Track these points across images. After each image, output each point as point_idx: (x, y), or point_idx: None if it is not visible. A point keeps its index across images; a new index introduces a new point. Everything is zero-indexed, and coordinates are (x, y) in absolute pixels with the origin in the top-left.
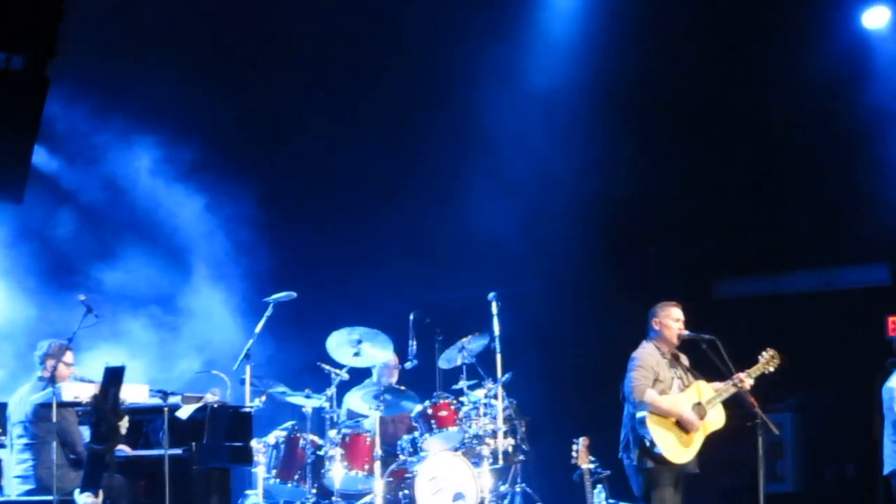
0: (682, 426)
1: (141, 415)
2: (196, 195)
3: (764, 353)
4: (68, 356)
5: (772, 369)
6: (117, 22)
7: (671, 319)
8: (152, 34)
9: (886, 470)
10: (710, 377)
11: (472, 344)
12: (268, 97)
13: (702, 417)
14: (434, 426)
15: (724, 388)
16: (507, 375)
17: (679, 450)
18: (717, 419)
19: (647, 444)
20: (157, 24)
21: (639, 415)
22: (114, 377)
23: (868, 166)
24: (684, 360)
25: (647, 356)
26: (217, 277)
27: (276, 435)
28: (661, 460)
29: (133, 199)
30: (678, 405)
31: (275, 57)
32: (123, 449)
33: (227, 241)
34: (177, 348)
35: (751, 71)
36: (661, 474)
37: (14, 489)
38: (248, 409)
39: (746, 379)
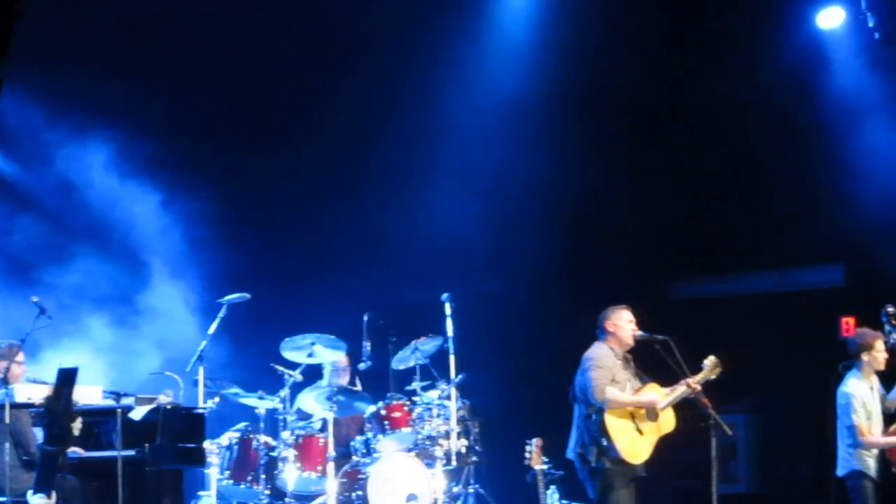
0: (639, 427)
1: (94, 416)
2: (152, 192)
3: (707, 361)
4: (20, 357)
5: (714, 377)
6: (70, 20)
7: (624, 321)
8: (105, 32)
9: (840, 472)
10: (664, 378)
11: (426, 345)
12: (227, 97)
13: (654, 420)
14: (387, 427)
15: (675, 391)
16: (460, 376)
17: (635, 450)
18: (668, 422)
19: (604, 444)
20: (110, 23)
21: (596, 416)
22: (67, 378)
23: (822, 167)
24: (632, 363)
25: (604, 356)
26: (174, 276)
27: (230, 436)
28: (617, 461)
29: (89, 198)
30: (643, 394)
31: (234, 56)
32: (76, 450)
33: (184, 240)
34: (136, 347)
35: (706, 72)
36: (616, 476)
37: None
38: (201, 411)
39: (696, 385)
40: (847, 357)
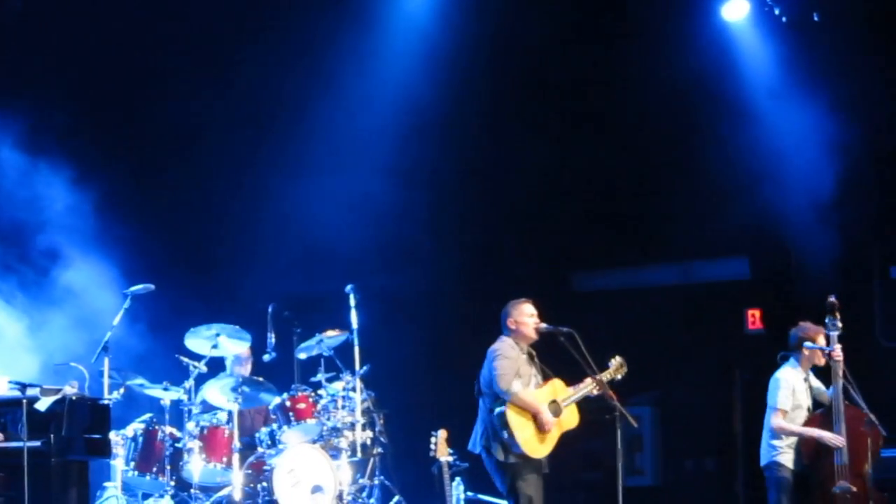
0: (538, 423)
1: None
2: (63, 170)
3: (613, 361)
4: None
5: (619, 377)
6: None
7: (525, 316)
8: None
9: (761, 462)
10: (566, 371)
11: (331, 337)
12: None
13: (557, 415)
14: (292, 419)
15: (581, 389)
16: (365, 368)
17: (536, 445)
18: (570, 418)
19: (506, 438)
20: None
21: (497, 409)
22: None
23: (728, 159)
24: (536, 358)
25: (510, 349)
26: (86, 260)
27: (135, 427)
28: (519, 455)
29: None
30: (538, 400)
31: (136, 40)
32: None
33: (96, 228)
34: (45, 333)
35: (609, 64)
36: (523, 467)
37: None
38: (106, 402)
39: (595, 386)
40: (786, 348)
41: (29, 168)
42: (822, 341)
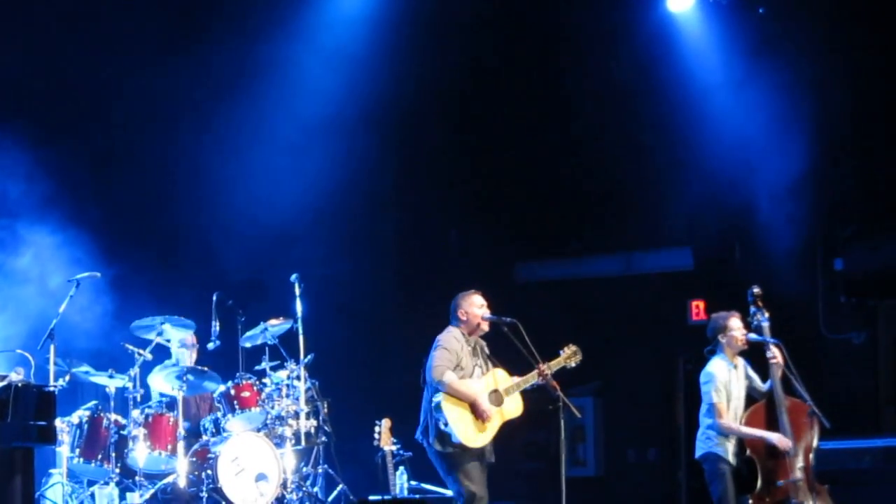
0: (476, 412)
1: None
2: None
3: (566, 349)
4: None
5: (573, 365)
6: None
7: (475, 307)
8: None
9: (697, 454)
10: (511, 362)
11: (275, 326)
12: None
13: (498, 405)
14: (237, 407)
15: (526, 379)
16: (309, 357)
17: (474, 434)
18: (514, 407)
19: (442, 426)
20: None
21: (434, 399)
22: None
23: (671, 150)
24: (485, 349)
25: (452, 340)
26: (30, 249)
27: (80, 414)
28: (457, 445)
29: None
30: (474, 390)
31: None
32: None
33: (43, 213)
34: None
35: (553, 52)
36: (461, 456)
37: None
38: (51, 389)
39: (548, 372)
40: (703, 342)
41: None
42: (734, 324)
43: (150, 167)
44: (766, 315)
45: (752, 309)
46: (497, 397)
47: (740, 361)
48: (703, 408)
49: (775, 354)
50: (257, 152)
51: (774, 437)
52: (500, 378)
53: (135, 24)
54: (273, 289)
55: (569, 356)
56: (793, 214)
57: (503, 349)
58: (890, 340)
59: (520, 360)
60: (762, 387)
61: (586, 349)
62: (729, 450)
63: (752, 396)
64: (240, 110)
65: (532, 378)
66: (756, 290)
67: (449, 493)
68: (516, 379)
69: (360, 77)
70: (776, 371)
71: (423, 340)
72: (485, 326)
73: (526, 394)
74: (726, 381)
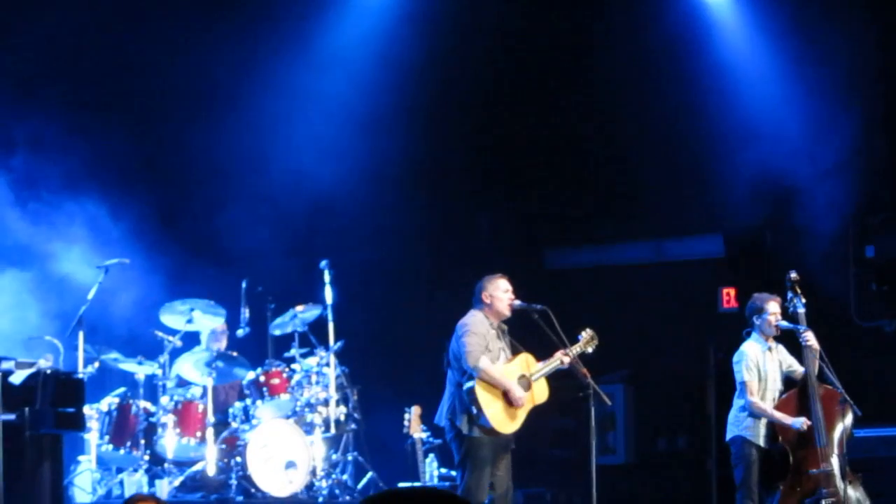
0: (508, 398)
1: None
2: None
3: (583, 334)
4: None
5: (591, 350)
6: None
7: (500, 291)
8: None
9: (727, 436)
10: (539, 348)
11: (306, 312)
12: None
13: (527, 390)
14: (266, 394)
15: (550, 363)
16: (339, 344)
17: (505, 420)
18: (541, 393)
19: (474, 412)
20: None
21: (467, 384)
22: None
23: (702, 136)
24: (506, 332)
25: (479, 324)
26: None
27: (109, 401)
28: (486, 430)
29: None
30: (507, 376)
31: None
32: None
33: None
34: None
35: (583, 37)
36: (482, 444)
37: None
38: (80, 376)
39: (565, 358)
40: (736, 326)
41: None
42: (772, 308)
43: (182, 154)
44: (803, 301)
45: (789, 294)
46: (525, 382)
47: (777, 345)
48: (737, 390)
49: (808, 339)
50: (286, 139)
51: (797, 422)
52: (528, 362)
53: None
54: (303, 275)
55: (587, 341)
56: (824, 202)
57: (527, 334)
58: None
59: (545, 345)
60: (801, 370)
61: (616, 336)
62: (760, 433)
63: (792, 381)
64: (268, 96)
65: (555, 362)
66: (793, 275)
67: None
68: (542, 364)
69: (390, 63)
70: (810, 356)
71: (450, 326)
72: (507, 311)
73: (556, 381)
74: (758, 361)
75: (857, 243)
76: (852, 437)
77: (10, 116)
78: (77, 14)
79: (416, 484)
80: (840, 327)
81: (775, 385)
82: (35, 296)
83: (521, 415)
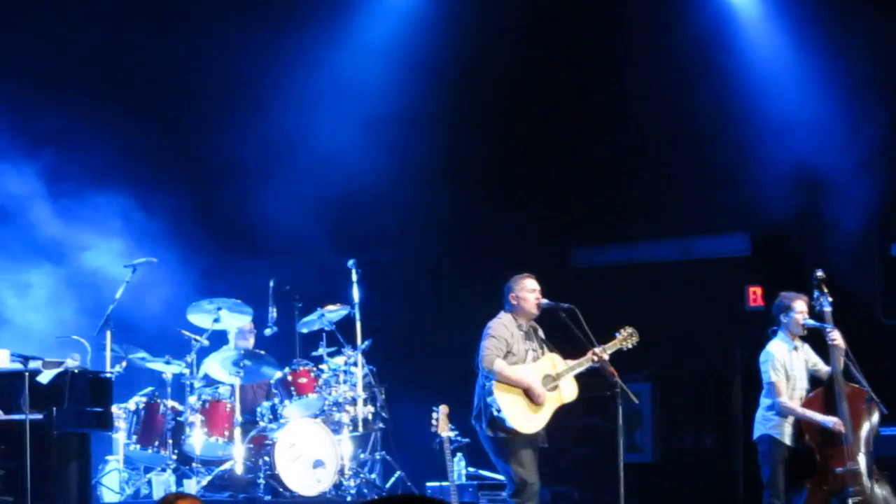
0: (531, 397)
1: (1, 379)
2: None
3: (622, 331)
4: None
5: (630, 346)
6: None
7: (527, 291)
8: None
9: (754, 435)
10: (569, 347)
11: (333, 311)
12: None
13: (552, 389)
14: (294, 393)
15: (580, 362)
16: (366, 343)
17: (527, 420)
18: (569, 392)
19: (495, 413)
20: None
21: (487, 385)
22: None
23: (729, 135)
24: (541, 333)
25: (502, 327)
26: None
27: (136, 401)
28: (509, 430)
29: None
30: (527, 376)
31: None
32: None
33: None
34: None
35: (608, 38)
36: (513, 442)
37: None
38: (108, 375)
39: (602, 354)
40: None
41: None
42: (799, 306)
43: (207, 154)
44: (830, 300)
45: (816, 293)
46: (552, 381)
47: (802, 344)
48: (764, 389)
49: (835, 338)
50: (313, 138)
51: (830, 421)
52: (555, 362)
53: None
54: (330, 274)
55: (625, 338)
56: (850, 200)
57: (558, 333)
58: None
59: (574, 345)
60: (826, 369)
61: (643, 335)
62: (786, 432)
63: (816, 379)
64: (296, 94)
65: (586, 362)
66: (820, 273)
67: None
68: (570, 363)
69: (418, 63)
70: (837, 355)
71: (481, 325)
72: (535, 310)
73: (583, 379)
74: (785, 361)
75: (883, 241)
76: (879, 436)
77: (40, 110)
78: (108, 5)
79: (445, 483)
80: (865, 325)
81: (802, 384)
82: (69, 292)
83: (545, 414)
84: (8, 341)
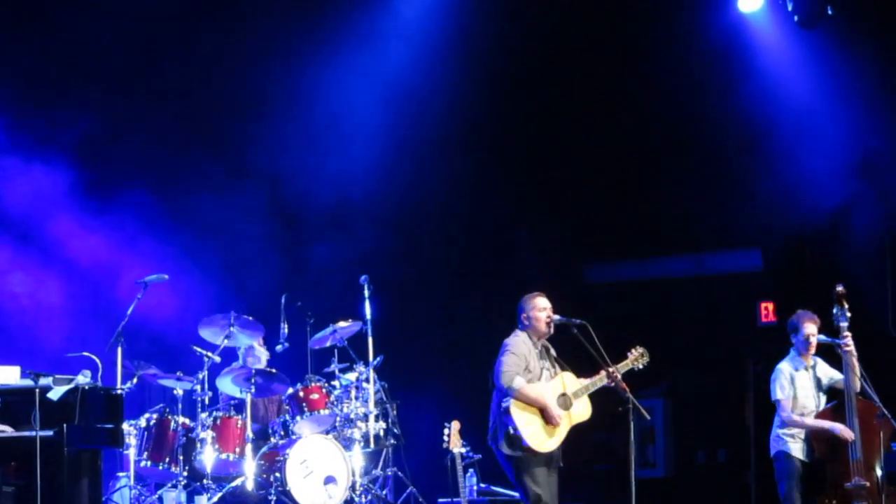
0: (546, 417)
1: (12, 395)
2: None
3: (633, 350)
4: None
5: (640, 366)
6: None
7: (538, 310)
8: None
9: (771, 452)
10: (580, 363)
11: (344, 328)
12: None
13: (566, 408)
14: (305, 409)
15: (594, 381)
16: (378, 359)
17: (543, 438)
18: (582, 411)
19: (511, 431)
20: None
21: (504, 403)
22: None
23: (741, 151)
24: (552, 351)
25: (520, 343)
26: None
27: (147, 417)
28: (526, 449)
29: None
30: (544, 395)
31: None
32: (4, 429)
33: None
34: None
35: (624, 53)
36: (529, 460)
37: None
38: (119, 391)
39: (616, 373)
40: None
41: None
42: (808, 328)
43: (212, 170)
44: (848, 315)
45: (835, 308)
46: (565, 401)
47: (815, 362)
48: (777, 407)
49: (848, 343)
50: (326, 151)
51: (837, 427)
52: (568, 381)
53: None
54: (342, 290)
55: (636, 358)
56: (862, 215)
57: (571, 351)
58: None
59: (587, 361)
60: (841, 381)
61: (655, 350)
62: (800, 448)
63: (837, 390)
64: (308, 108)
65: (600, 380)
66: (840, 288)
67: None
68: (584, 381)
69: (432, 80)
70: (850, 361)
71: (493, 342)
72: (547, 329)
73: (595, 396)
74: (792, 378)
75: (894, 256)
76: (890, 451)
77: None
78: (137, 8)
79: (456, 500)
80: (878, 341)
81: (810, 402)
82: (86, 307)
83: (560, 433)
84: (19, 357)
